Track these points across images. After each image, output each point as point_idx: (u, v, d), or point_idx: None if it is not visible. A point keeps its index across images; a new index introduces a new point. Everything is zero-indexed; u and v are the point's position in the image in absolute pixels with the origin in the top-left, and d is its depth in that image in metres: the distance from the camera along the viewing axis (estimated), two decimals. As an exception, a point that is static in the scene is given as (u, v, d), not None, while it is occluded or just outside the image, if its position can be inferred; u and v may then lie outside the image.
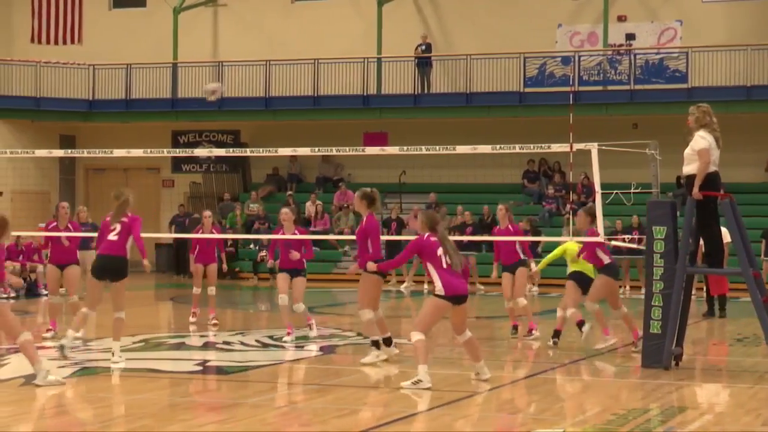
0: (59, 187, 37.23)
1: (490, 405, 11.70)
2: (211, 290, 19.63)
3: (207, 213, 20.37)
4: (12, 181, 32.38)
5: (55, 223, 17.68)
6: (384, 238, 28.90)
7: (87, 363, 14.47)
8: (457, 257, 12.51)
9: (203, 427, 10.43)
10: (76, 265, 17.55)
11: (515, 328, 17.91)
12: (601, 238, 16.13)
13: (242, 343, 16.50)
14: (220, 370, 14.23)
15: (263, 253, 32.70)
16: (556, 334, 16.57)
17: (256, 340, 16.99)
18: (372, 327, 14.55)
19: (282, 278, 17.03)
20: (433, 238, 12.52)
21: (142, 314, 19.85)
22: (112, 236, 14.40)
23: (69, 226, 17.67)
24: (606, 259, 15.93)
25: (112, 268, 14.46)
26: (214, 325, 19.01)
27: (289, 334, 16.79)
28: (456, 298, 12.34)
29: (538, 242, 28.08)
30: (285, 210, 17.70)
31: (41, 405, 11.71)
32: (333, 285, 30.40)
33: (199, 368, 14.30)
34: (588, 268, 16.47)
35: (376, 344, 14.47)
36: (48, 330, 17.28)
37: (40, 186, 34.28)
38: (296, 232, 17.34)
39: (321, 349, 16.21)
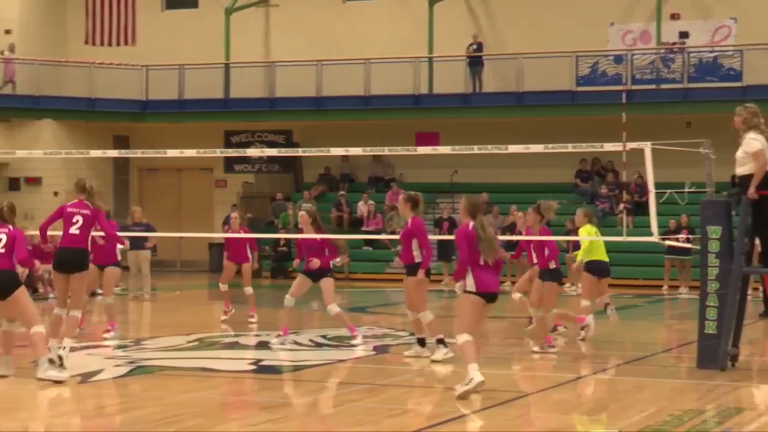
0: (113, 188, 37.49)
1: (543, 405, 11.66)
2: (248, 290, 19.74)
3: (234, 214, 20.59)
4: (66, 181, 32.61)
5: None
6: (436, 237, 28.93)
7: (142, 362, 14.56)
8: (490, 249, 11.83)
9: (256, 426, 10.46)
10: (115, 265, 17.49)
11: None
12: (655, 238, 16.04)
13: (295, 343, 16.53)
14: (273, 370, 14.27)
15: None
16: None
17: (310, 340, 17.02)
18: (434, 327, 14.57)
19: (299, 280, 16.64)
20: (470, 229, 11.91)
21: (195, 313, 19.96)
22: (74, 229, 13.94)
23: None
24: (553, 264, 15.71)
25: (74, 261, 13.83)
26: (253, 323, 19.03)
27: (279, 336, 16.60)
28: (488, 295, 11.87)
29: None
30: (301, 213, 17.24)
31: (97, 403, 11.80)
32: (385, 285, 30.42)
33: (253, 367, 14.34)
34: (601, 252, 16.75)
35: (442, 342, 14.46)
36: (107, 330, 17.38)
37: (94, 186, 34.46)
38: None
39: (374, 348, 16.22)
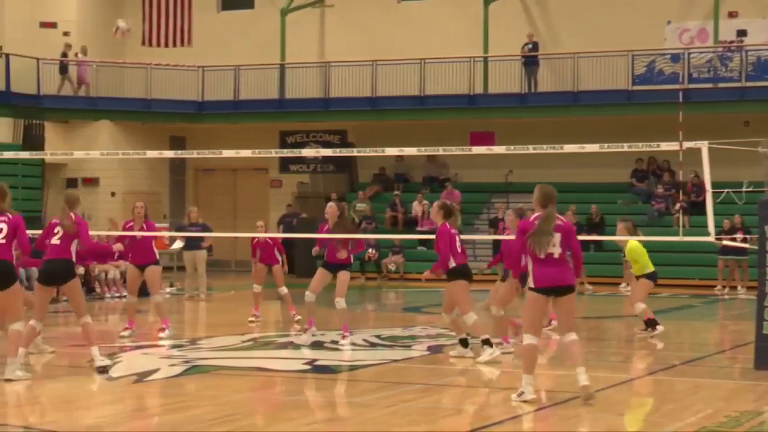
0: (169, 188, 37.73)
1: (599, 406, 11.59)
2: (283, 290, 19.91)
3: (260, 223, 20.71)
4: (123, 182, 32.92)
5: (131, 223, 17.70)
6: (491, 237, 28.82)
7: (197, 361, 14.64)
8: (542, 242, 11.24)
9: (310, 426, 10.48)
10: (155, 264, 17.51)
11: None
12: (711, 238, 15.92)
13: (350, 342, 16.54)
14: (328, 369, 14.29)
15: (371, 251, 32.85)
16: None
17: (364, 340, 17.03)
18: (478, 328, 14.56)
19: (319, 275, 16.79)
20: (536, 221, 11.34)
21: (250, 313, 20.02)
22: (55, 240, 13.66)
23: (144, 225, 17.69)
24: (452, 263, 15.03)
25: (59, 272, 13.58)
26: (297, 321, 19.08)
27: (306, 330, 16.86)
28: (545, 290, 11.29)
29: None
30: (330, 203, 17.31)
31: (152, 403, 11.87)
32: (440, 285, 30.34)
33: (307, 367, 14.37)
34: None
35: (487, 342, 14.43)
36: (125, 329, 17.36)
37: (150, 187, 34.80)
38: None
39: (428, 348, 16.20)
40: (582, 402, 11.16)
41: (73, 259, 13.65)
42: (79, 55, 36.01)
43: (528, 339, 11.39)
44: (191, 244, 25.94)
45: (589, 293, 28.00)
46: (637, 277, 17.94)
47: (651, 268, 17.84)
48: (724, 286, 28.79)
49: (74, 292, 13.68)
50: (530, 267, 11.33)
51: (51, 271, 13.58)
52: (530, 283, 11.36)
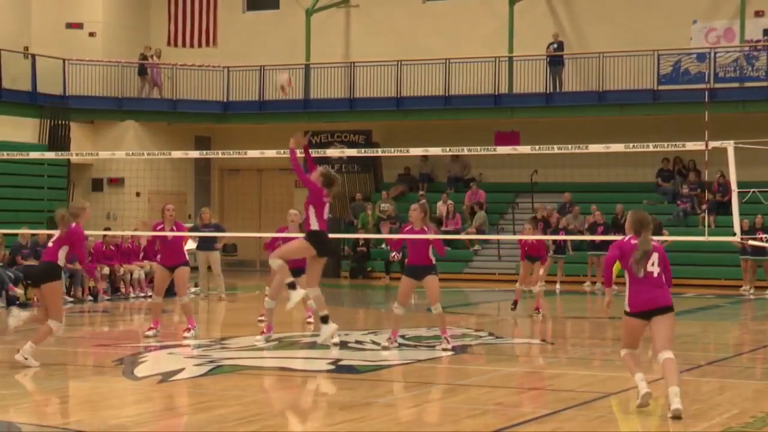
0: (194, 188, 37.82)
1: (625, 406, 11.57)
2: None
3: (293, 211, 19.89)
4: (149, 182, 32.99)
5: (162, 225, 17.70)
6: (516, 237, 28.78)
7: (222, 361, 14.66)
8: (639, 262, 11.41)
9: (335, 427, 10.48)
10: (185, 265, 17.52)
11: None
12: (737, 238, 15.86)
13: (374, 343, 16.54)
14: (353, 369, 14.29)
15: (395, 252, 32.84)
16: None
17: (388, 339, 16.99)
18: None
19: (405, 284, 15.94)
20: (634, 241, 11.44)
21: (275, 313, 20.01)
22: (50, 243, 14.39)
23: (174, 227, 17.69)
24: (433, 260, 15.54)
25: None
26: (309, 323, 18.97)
27: (391, 341, 16.09)
28: (643, 313, 11.44)
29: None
30: (414, 205, 16.82)
31: (177, 402, 11.90)
32: (464, 285, 30.38)
33: (332, 367, 14.37)
34: None
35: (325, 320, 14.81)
36: (150, 329, 17.35)
37: (176, 187, 34.88)
38: (425, 229, 15.94)
39: (453, 348, 16.18)
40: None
41: (60, 263, 13.93)
42: (153, 58, 36.24)
43: (622, 351, 11.55)
44: (204, 244, 26.02)
45: (615, 293, 27.89)
46: None
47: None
48: (750, 287, 28.66)
49: (52, 294, 13.88)
50: (627, 285, 11.55)
51: (32, 272, 14.35)
52: (625, 306, 11.55)
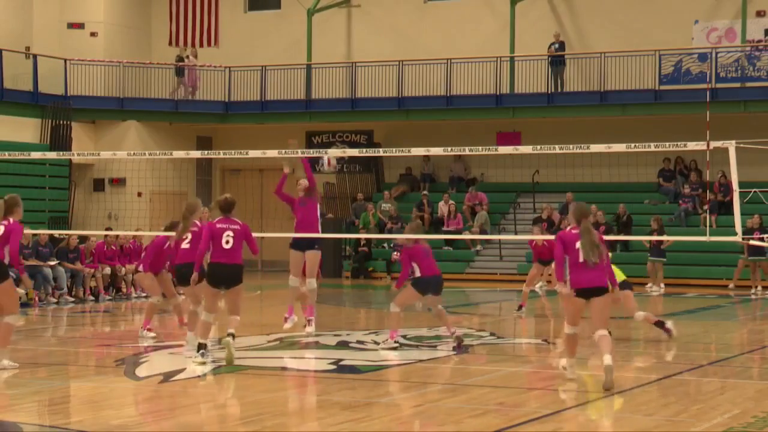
0: (196, 188, 37.82)
1: (626, 406, 11.57)
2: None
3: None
4: (150, 182, 32.99)
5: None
6: (518, 237, 28.84)
7: (224, 361, 14.65)
8: (592, 252, 12.43)
9: (336, 427, 10.48)
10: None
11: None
12: (738, 238, 15.87)
13: (375, 343, 16.54)
14: (354, 369, 14.29)
15: (396, 253, 32.84)
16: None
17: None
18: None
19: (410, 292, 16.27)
20: (575, 231, 12.58)
21: (276, 313, 20.02)
22: None
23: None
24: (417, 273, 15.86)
25: None
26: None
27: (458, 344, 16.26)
28: (581, 291, 12.45)
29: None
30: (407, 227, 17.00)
31: (178, 402, 11.90)
32: (466, 285, 30.37)
33: (333, 367, 14.37)
34: None
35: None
36: (183, 324, 17.30)
37: (177, 187, 34.84)
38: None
39: (454, 348, 16.19)
40: (603, 388, 12.04)
41: (5, 260, 13.57)
42: (190, 58, 36.23)
43: (565, 329, 12.74)
44: None
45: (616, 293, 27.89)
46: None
47: (622, 277, 17.30)
48: (738, 286, 28.63)
49: (2, 292, 13.52)
50: (569, 269, 12.57)
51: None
52: (569, 284, 12.55)
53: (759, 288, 28.13)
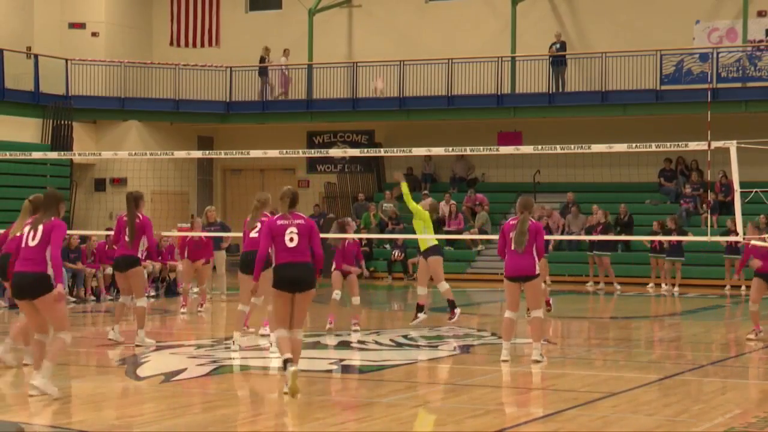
0: (197, 188, 37.83)
1: (627, 406, 11.57)
2: (356, 300, 19.86)
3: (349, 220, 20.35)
4: (152, 182, 32.95)
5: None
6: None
7: (224, 361, 14.67)
8: (518, 241, 14.00)
9: (339, 426, 10.48)
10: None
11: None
12: (740, 238, 15.87)
13: (377, 343, 16.55)
14: (355, 370, 14.30)
15: (397, 252, 32.84)
16: None
17: (391, 340, 17.04)
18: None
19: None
20: (513, 222, 14.16)
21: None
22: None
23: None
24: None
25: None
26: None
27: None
28: (516, 278, 14.04)
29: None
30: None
31: (180, 403, 11.90)
32: (467, 285, 30.36)
33: (335, 367, 14.37)
34: None
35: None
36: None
37: (178, 187, 34.86)
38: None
39: (455, 348, 16.20)
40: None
41: (48, 269, 12.65)
42: (283, 59, 36.22)
43: (506, 313, 14.21)
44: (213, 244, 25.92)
45: (618, 293, 27.93)
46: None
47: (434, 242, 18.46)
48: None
49: (45, 307, 12.63)
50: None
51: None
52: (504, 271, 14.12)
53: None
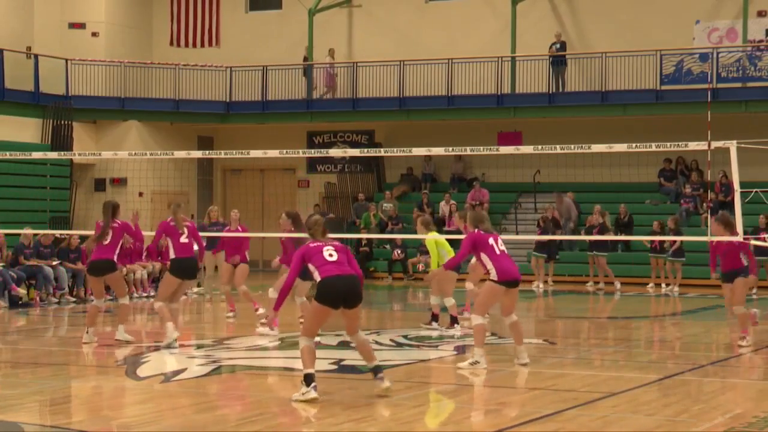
0: (197, 188, 37.83)
1: (627, 406, 11.57)
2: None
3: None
4: (152, 182, 33.00)
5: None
6: (518, 237, 28.79)
7: (224, 361, 14.66)
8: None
9: (338, 426, 10.48)
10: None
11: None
12: (739, 238, 15.87)
13: (377, 343, 16.54)
14: (355, 369, 14.29)
15: (397, 251, 32.83)
16: None
17: (391, 340, 17.04)
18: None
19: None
20: (482, 232, 14.13)
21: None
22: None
23: (239, 228, 20.69)
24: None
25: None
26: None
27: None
28: (508, 282, 13.95)
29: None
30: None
31: (179, 402, 11.90)
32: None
33: (334, 367, 14.37)
34: None
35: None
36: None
37: (178, 187, 34.86)
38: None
39: (455, 348, 16.20)
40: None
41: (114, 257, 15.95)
42: (327, 58, 36.19)
43: (477, 320, 14.12)
44: (211, 243, 25.89)
45: (618, 293, 27.94)
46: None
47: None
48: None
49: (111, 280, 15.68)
50: (490, 262, 13.99)
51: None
52: (493, 276, 13.96)
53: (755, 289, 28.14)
